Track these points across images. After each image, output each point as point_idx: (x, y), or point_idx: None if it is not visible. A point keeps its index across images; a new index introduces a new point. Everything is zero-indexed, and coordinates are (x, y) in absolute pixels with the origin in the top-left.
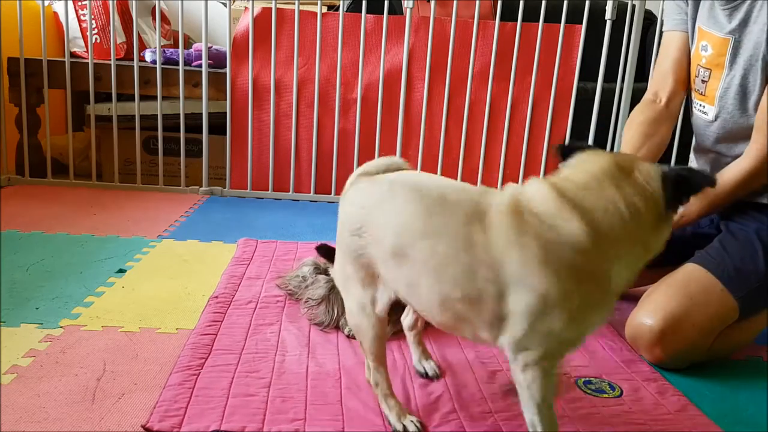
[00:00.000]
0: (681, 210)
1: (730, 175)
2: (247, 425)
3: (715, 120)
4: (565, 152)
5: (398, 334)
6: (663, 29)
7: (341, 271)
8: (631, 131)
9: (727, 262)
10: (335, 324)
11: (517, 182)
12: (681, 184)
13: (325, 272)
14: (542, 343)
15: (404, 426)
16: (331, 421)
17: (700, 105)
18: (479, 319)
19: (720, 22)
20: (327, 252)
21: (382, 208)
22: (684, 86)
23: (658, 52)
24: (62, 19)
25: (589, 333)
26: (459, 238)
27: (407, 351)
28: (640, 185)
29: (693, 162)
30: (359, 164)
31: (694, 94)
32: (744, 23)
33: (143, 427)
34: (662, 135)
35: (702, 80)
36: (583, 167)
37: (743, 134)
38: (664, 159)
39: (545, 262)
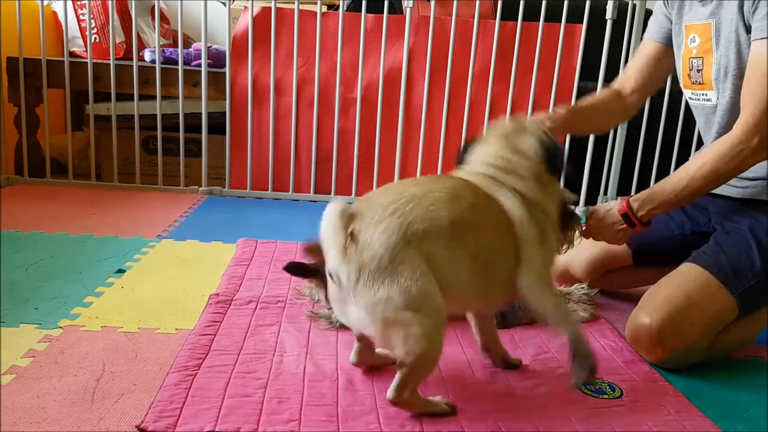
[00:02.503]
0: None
1: (700, 162)
2: (242, 426)
3: (718, 103)
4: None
5: None
6: (643, 36)
7: (407, 297)
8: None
9: (723, 260)
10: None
11: None
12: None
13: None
14: (540, 262)
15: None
16: (326, 422)
17: (702, 94)
18: (510, 261)
19: (699, 12)
20: (299, 271)
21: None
22: (643, 90)
23: None
24: (61, 18)
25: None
26: (495, 216)
27: None
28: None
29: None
30: (359, 164)
31: (692, 88)
32: (719, 4)
33: (137, 427)
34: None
35: (697, 70)
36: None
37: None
38: (665, 158)
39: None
